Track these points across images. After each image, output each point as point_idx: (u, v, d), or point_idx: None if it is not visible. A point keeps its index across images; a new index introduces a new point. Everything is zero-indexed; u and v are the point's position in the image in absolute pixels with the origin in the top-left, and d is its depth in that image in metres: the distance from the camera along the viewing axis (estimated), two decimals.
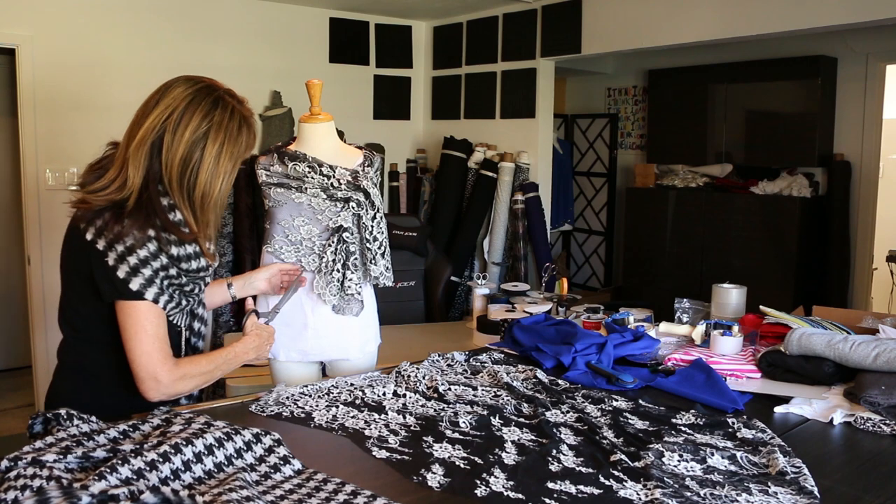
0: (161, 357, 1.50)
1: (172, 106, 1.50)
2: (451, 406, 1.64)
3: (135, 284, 1.46)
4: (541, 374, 1.87)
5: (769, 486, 1.26)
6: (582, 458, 1.37)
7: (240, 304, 2.05)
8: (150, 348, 1.49)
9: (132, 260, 1.46)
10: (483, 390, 1.76)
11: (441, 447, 1.42)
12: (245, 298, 1.91)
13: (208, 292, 1.87)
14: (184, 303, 1.59)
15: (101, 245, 1.46)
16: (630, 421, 1.58)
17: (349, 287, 2.04)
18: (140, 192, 1.49)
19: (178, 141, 1.49)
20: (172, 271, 1.52)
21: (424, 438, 1.46)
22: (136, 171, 1.48)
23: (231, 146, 1.54)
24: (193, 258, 1.55)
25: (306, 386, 1.78)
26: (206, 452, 1.25)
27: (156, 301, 1.49)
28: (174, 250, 1.51)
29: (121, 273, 1.45)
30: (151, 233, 1.47)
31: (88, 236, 1.47)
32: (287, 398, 1.69)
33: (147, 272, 1.47)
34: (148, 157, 1.49)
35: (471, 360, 2.03)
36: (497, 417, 1.57)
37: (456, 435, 1.48)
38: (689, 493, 1.23)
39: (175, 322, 1.60)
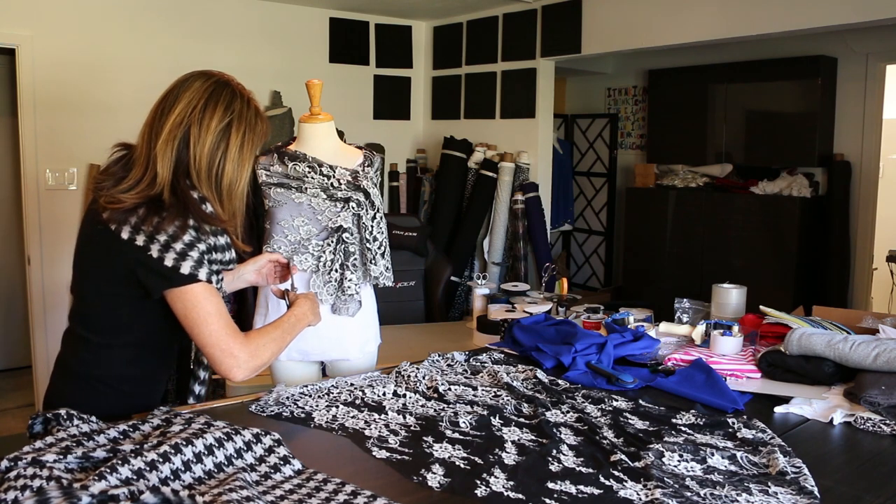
0: (231, 332, 1.50)
1: (195, 100, 1.51)
2: (451, 406, 1.64)
3: (186, 268, 1.45)
4: (541, 374, 1.87)
5: (769, 486, 1.26)
6: (582, 458, 1.37)
7: (240, 302, 2.05)
8: (217, 327, 1.48)
9: (178, 246, 1.45)
10: (483, 390, 1.76)
11: (441, 447, 1.42)
12: (265, 288, 2.00)
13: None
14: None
15: (140, 240, 1.44)
16: (630, 421, 1.58)
17: (348, 287, 2.05)
18: (172, 186, 1.50)
19: (204, 133, 1.50)
20: (216, 255, 1.55)
21: (424, 438, 1.46)
22: (164, 167, 1.49)
23: (252, 135, 1.57)
24: (226, 249, 1.60)
25: (306, 386, 1.78)
26: (206, 452, 1.25)
27: (209, 281, 1.50)
28: (212, 240, 1.54)
29: (168, 262, 1.44)
30: (191, 221, 1.49)
31: (125, 235, 1.45)
32: (287, 398, 1.69)
33: (195, 254, 1.47)
34: (176, 152, 1.50)
35: (471, 360, 2.03)
36: (497, 417, 1.57)
37: (456, 435, 1.48)
38: (689, 493, 1.23)
39: None
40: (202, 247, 1.49)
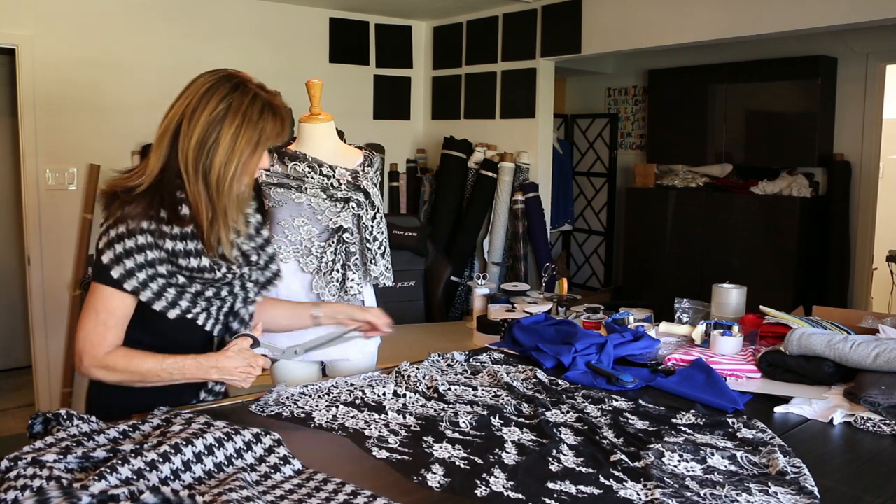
0: (94, 340, 1.50)
1: (192, 94, 1.53)
2: (451, 406, 1.64)
3: (115, 273, 1.47)
4: (541, 374, 1.87)
5: (769, 486, 1.26)
6: (582, 458, 1.37)
7: None
8: (90, 328, 1.50)
9: (118, 248, 1.47)
10: (483, 390, 1.76)
11: (441, 447, 1.42)
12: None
13: (284, 314, 1.86)
14: (194, 307, 1.57)
15: (101, 230, 1.51)
16: (630, 421, 1.58)
17: (351, 288, 2.04)
18: (155, 179, 1.51)
19: (194, 125, 1.50)
20: (163, 269, 1.50)
21: (424, 438, 1.46)
22: (156, 160, 1.51)
23: (249, 130, 1.53)
24: (193, 255, 1.52)
25: (306, 386, 1.77)
26: (206, 452, 1.25)
27: (135, 293, 1.49)
28: (170, 244, 1.50)
29: (105, 258, 1.48)
30: (147, 224, 1.48)
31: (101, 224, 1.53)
32: (287, 398, 1.69)
33: (129, 263, 1.48)
34: (168, 147, 1.52)
35: (471, 360, 2.03)
36: (497, 417, 1.57)
37: (456, 435, 1.48)
38: (689, 493, 1.23)
39: (200, 322, 1.59)
40: (143, 258, 1.48)
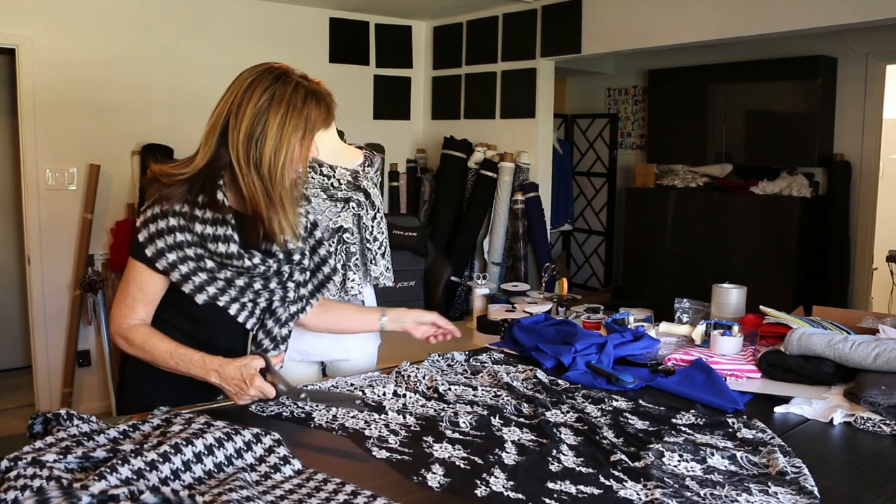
0: (123, 311, 1.58)
1: (236, 90, 1.56)
2: (451, 406, 1.64)
3: (149, 251, 1.54)
4: (541, 374, 1.87)
5: (769, 486, 1.26)
6: (582, 458, 1.37)
7: None
8: (121, 298, 1.59)
9: (152, 227, 1.54)
10: (483, 390, 1.76)
11: (441, 447, 1.42)
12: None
13: (352, 314, 1.91)
14: (223, 294, 1.58)
15: (142, 209, 1.57)
16: (630, 421, 1.58)
17: (351, 288, 2.04)
18: (199, 170, 1.54)
19: (241, 118, 1.53)
20: (191, 252, 1.54)
21: (424, 438, 1.46)
22: (203, 155, 1.55)
23: (295, 117, 1.55)
24: (222, 241, 1.55)
25: (306, 386, 1.77)
26: (206, 452, 1.25)
27: (165, 273, 1.55)
28: (200, 228, 1.54)
29: (140, 237, 1.54)
30: (179, 207, 1.53)
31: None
32: (287, 398, 1.69)
33: (160, 244, 1.53)
34: (216, 143, 1.55)
35: (471, 360, 2.03)
36: (497, 417, 1.57)
37: (456, 435, 1.48)
38: (689, 493, 1.23)
39: (232, 313, 1.62)
40: (173, 239, 1.53)
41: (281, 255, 1.65)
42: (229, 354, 1.58)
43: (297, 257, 1.68)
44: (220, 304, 1.60)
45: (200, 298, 1.57)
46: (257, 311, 1.65)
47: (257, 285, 1.62)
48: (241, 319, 1.64)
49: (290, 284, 1.68)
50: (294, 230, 1.61)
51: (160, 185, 1.55)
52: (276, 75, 1.59)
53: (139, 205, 4.16)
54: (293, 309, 1.72)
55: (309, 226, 1.76)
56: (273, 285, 1.65)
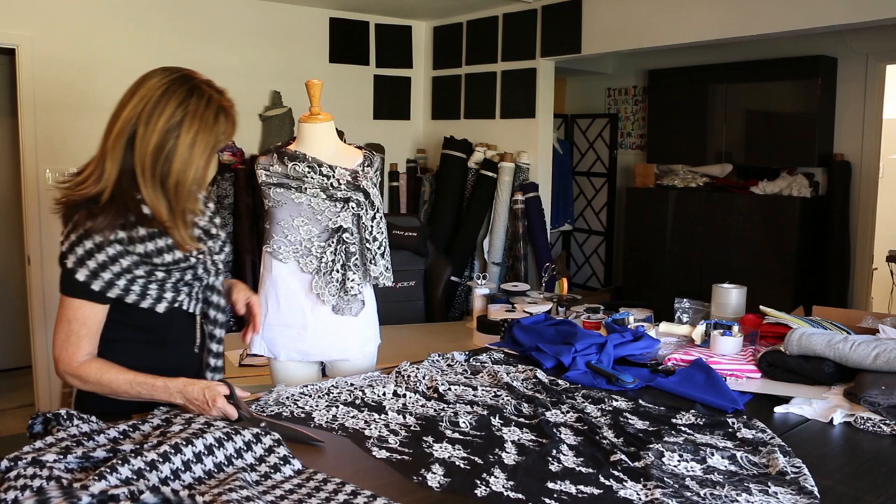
0: (69, 350, 1.53)
1: (147, 97, 1.52)
2: (451, 406, 1.64)
3: (96, 286, 1.49)
4: (541, 374, 1.87)
5: (769, 486, 1.26)
6: (582, 458, 1.37)
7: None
8: (64, 338, 1.53)
9: (91, 263, 1.48)
10: (483, 390, 1.76)
11: (441, 447, 1.42)
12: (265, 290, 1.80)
13: None
14: (179, 295, 1.60)
15: (65, 246, 1.49)
16: (630, 421, 1.58)
17: (351, 288, 2.04)
18: (115, 186, 1.50)
19: (151, 131, 1.49)
20: (140, 271, 1.52)
21: (424, 438, 1.46)
22: (112, 165, 1.50)
23: (206, 135, 1.53)
24: (166, 251, 1.54)
25: (306, 386, 1.78)
26: (206, 452, 1.25)
27: (119, 299, 1.52)
28: (141, 248, 1.51)
29: (80, 276, 1.48)
30: (115, 235, 1.48)
31: (61, 236, 1.51)
32: (287, 398, 1.69)
33: (107, 275, 1.49)
34: (123, 151, 1.51)
35: (471, 360, 2.03)
36: (497, 417, 1.57)
37: (456, 435, 1.48)
38: (689, 493, 1.23)
39: (184, 308, 1.62)
40: (117, 267, 1.49)
41: (204, 236, 1.66)
42: (185, 344, 1.66)
43: (214, 231, 1.70)
44: (177, 305, 1.60)
45: (162, 307, 1.57)
46: (200, 294, 1.67)
47: (199, 270, 1.64)
48: (191, 309, 1.65)
49: (217, 257, 1.70)
50: (185, 243, 1.57)
51: (86, 214, 1.47)
52: (190, 88, 1.54)
53: None
54: (222, 279, 1.74)
55: (203, 198, 1.74)
56: (208, 265, 1.66)
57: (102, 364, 1.55)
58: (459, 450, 1.41)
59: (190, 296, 1.64)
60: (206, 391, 1.52)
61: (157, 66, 1.66)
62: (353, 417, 1.58)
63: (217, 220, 1.75)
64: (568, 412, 1.62)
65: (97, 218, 1.47)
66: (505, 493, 1.23)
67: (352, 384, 1.79)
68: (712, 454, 1.37)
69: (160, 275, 1.55)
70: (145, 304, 1.55)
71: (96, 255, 1.48)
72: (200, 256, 1.63)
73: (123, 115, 1.52)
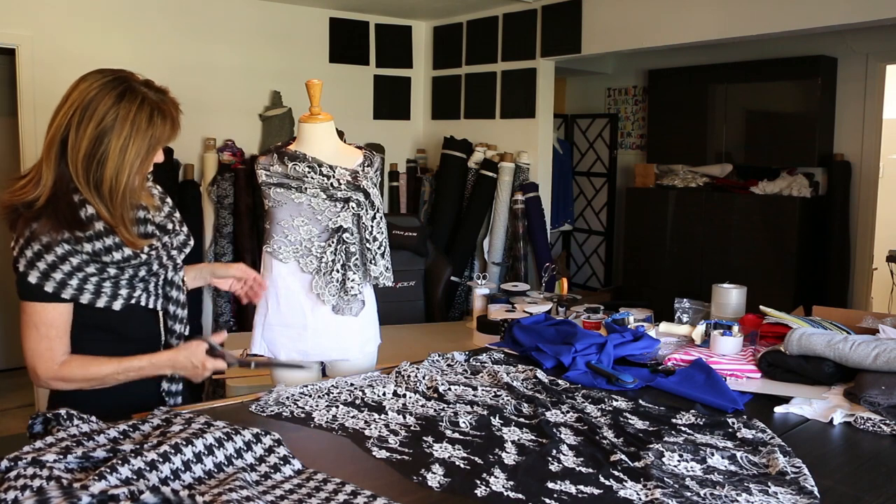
0: (44, 355, 1.53)
1: (77, 102, 1.49)
2: (451, 406, 1.64)
3: (49, 287, 1.48)
4: (541, 374, 1.87)
5: (769, 486, 1.26)
6: (582, 458, 1.37)
7: (239, 304, 2.02)
8: (35, 345, 1.53)
9: (41, 265, 1.47)
10: (483, 390, 1.76)
11: (441, 447, 1.42)
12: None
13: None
14: (134, 291, 1.59)
15: (15, 251, 1.49)
16: (630, 421, 1.58)
17: (351, 288, 2.04)
18: (51, 191, 1.49)
19: (81, 137, 1.48)
20: (91, 269, 1.51)
21: (424, 438, 1.46)
22: (48, 171, 1.49)
23: (139, 138, 1.51)
24: (115, 249, 1.52)
25: (306, 386, 1.78)
26: (206, 452, 1.25)
27: (73, 299, 1.51)
28: (89, 247, 1.49)
29: (32, 278, 1.47)
30: (60, 235, 1.47)
31: (12, 242, 1.50)
32: (287, 398, 1.69)
33: (58, 275, 1.48)
34: (57, 157, 1.49)
35: (471, 360, 2.03)
36: (497, 417, 1.57)
37: (456, 435, 1.48)
38: (689, 493, 1.23)
39: (143, 304, 1.61)
40: (68, 266, 1.48)
41: (159, 232, 1.65)
42: (153, 339, 1.66)
43: (170, 226, 1.69)
44: (133, 301, 1.59)
45: (118, 305, 1.56)
46: (159, 291, 1.67)
47: (155, 266, 1.63)
48: (151, 305, 1.64)
49: (174, 252, 1.68)
50: (131, 242, 1.55)
51: (25, 220, 1.47)
52: (121, 91, 1.51)
53: None
54: (181, 274, 1.74)
55: (161, 194, 1.73)
56: (164, 260, 1.65)
57: (82, 360, 1.55)
58: (459, 450, 1.41)
59: (148, 292, 1.63)
60: (192, 357, 1.58)
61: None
62: (353, 417, 1.58)
63: (177, 216, 1.73)
64: (568, 412, 1.62)
65: (40, 220, 1.47)
66: (505, 493, 1.23)
67: (352, 384, 1.79)
68: (712, 454, 1.37)
69: (112, 272, 1.54)
70: (101, 303, 1.54)
71: (45, 255, 1.47)
72: (153, 252, 1.60)
73: (56, 121, 1.50)
